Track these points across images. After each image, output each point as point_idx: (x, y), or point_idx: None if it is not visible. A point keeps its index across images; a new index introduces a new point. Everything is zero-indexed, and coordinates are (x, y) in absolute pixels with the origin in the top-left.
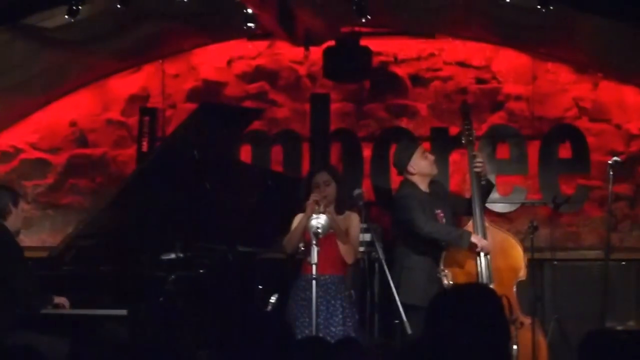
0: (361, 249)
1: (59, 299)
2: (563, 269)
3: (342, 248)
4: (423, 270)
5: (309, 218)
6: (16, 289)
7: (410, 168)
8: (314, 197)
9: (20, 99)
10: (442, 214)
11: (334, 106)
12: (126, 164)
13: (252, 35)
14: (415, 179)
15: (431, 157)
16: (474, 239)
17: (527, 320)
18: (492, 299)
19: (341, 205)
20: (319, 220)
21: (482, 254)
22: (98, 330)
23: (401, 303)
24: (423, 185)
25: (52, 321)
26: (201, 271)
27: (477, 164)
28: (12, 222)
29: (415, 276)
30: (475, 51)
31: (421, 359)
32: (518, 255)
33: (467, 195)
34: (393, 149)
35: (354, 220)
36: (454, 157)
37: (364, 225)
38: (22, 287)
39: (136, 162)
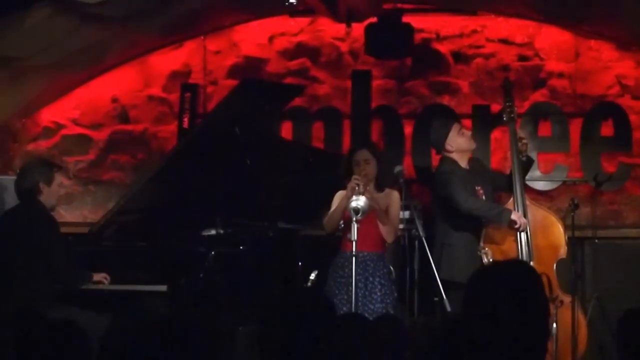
0: (401, 226)
1: (97, 276)
2: (604, 248)
3: (382, 228)
4: (464, 247)
5: (349, 199)
6: (52, 265)
7: (448, 146)
8: (355, 179)
9: (61, 75)
10: (481, 191)
11: (376, 83)
12: (167, 140)
13: (293, 12)
14: (455, 156)
15: (468, 133)
16: (514, 216)
17: (567, 299)
18: (532, 276)
19: (381, 182)
20: (358, 202)
21: (521, 232)
22: (138, 306)
23: (442, 279)
24: (463, 162)
25: (92, 296)
26: (241, 247)
27: (522, 142)
28: (45, 199)
29: (456, 253)
30: (517, 28)
31: (460, 336)
32: (558, 233)
33: (508, 172)
34: None
35: (394, 197)
36: (496, 134)
37: (405, 203)
38: (57, 262)
39: (177, 139)
